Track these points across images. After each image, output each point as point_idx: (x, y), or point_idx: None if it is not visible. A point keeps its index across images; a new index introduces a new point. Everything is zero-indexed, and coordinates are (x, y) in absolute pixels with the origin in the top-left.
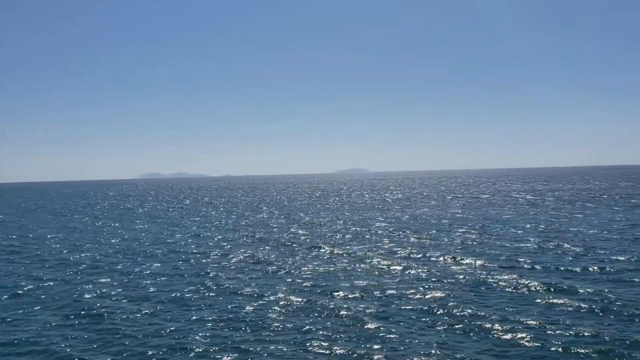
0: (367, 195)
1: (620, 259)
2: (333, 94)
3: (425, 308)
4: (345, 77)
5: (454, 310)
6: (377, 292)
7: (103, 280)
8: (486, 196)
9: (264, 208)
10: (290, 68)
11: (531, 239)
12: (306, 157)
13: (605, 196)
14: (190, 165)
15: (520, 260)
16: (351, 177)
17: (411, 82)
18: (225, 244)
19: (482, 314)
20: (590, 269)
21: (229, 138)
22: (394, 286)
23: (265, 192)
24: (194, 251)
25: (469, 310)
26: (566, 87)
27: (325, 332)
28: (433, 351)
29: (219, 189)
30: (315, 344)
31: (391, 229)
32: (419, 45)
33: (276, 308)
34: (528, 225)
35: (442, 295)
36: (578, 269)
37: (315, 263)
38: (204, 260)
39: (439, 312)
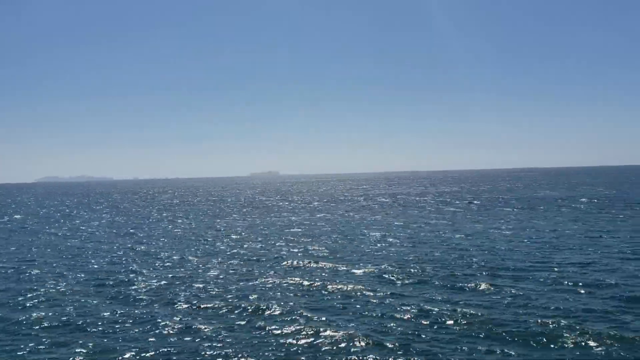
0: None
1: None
2: (248, 96)
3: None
4: (261, 78)
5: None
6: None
7: None
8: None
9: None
10: (203, 68)
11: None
12: (219, 160)
13: (458, 202)
14: (95, 168)
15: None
16: (260, 180)
17: (327, 85)
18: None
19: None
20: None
21: (137, 140)
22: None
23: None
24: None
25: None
26: (499, 91)
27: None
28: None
29: (102, 193)
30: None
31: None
32: (332, 47)
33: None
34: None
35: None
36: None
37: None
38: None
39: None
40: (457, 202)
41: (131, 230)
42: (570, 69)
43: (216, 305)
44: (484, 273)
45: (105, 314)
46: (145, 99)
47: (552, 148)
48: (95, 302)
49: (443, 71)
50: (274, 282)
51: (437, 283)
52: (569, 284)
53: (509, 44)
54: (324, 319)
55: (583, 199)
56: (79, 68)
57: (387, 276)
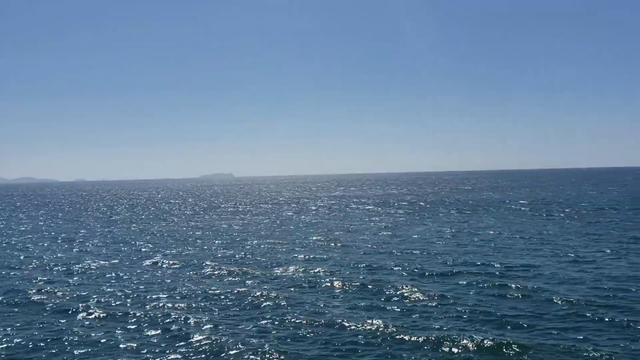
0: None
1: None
2: (200, 96)
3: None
4: (217, 80)
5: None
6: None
7: None
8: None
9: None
10: (154, 70)
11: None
12: (169, 161)
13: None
14: (39, 169)
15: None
16: (213, 182)
17: (283, 87)
18: None
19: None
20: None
21: (81, 141)
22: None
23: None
24: None
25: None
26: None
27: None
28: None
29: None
30: None
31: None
32: (288, 48)
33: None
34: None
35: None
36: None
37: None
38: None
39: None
40: (398, 204)
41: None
42: (523, 74)
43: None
44: (409, 274)
45: None
46: (94, 101)
47: (503, 151)
48: None
49: (405, 75)
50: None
51: (357, 285)
52: (492, 285)
53: (464, 50)
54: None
55: (522, 201)
56: (21, 68)
57: (310, 280)
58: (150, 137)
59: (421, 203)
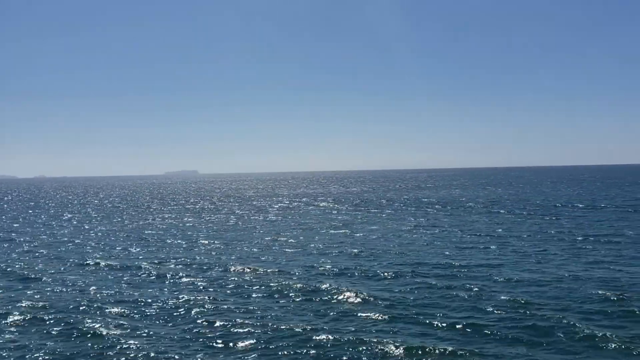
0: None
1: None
2: (166, 94)
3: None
4: (180, 79)
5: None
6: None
7: None
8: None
9: None
10: (118, 69)
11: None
12: (132, 158)
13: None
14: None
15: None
16: (176, 180)
17: (247, 84)
18: None
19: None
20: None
21: (43, 137)
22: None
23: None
24: None
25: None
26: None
27: None
28: None
29: None
30: None
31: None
32: (252, 50)
33: None
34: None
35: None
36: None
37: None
38: None
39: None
40: (356, 201)
41: None
42: (493, 72)
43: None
44: (352, 276)
45: None
46: (56, 100)
47: (473, 149)
48: None
49: (368, 73)
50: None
51: (297, 286)
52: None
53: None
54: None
55: (479, 200)
56: None
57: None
58: (114, 134)
59: (382, 201)
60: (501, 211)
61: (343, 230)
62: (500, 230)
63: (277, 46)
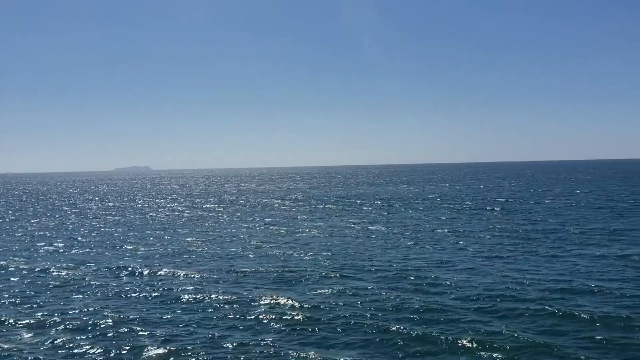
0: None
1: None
2: (119, 88)
3: None
4: (129, 73)
5: None
6: None
7: None
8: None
9: None
10: (74, 65)
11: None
12: (84, 153)
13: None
14: None
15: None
16: (127, 175)
17: (203, 81)
18: None
19: None
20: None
21: (7, 132)
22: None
23: None
24: None
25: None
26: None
27: None
28: None
29: None
30: None
31: None
32: (207, 42)
33: None
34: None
35: None
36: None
37: None
38: None
39: None
40: (298, 198)
41: None
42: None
43: None
44: (273, 280)
45: None
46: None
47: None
48: None
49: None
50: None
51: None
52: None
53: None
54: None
55: (431, 196)
56: None
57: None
58: (68, 129)
59: (325, 198)
60: (443, 205)
61: (273, 227)
62: (428, 225)
63: (232, 44)
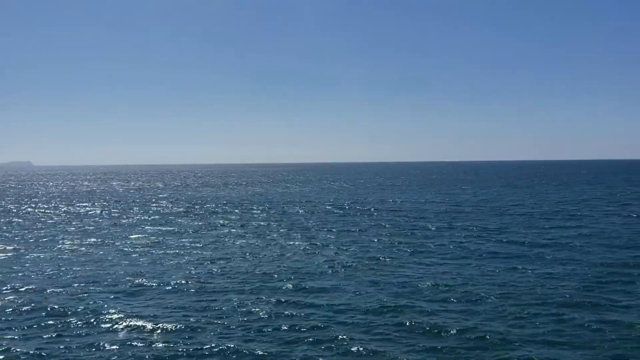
0: None
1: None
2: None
3: None
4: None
5: None
6: None
7: None
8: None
9: None
10: None
11: None
12: None
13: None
14: None
15: None
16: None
17: (91, 72)
18: None
19: None
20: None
21: None
22: None
23: None
24: None
25: None
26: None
27: None
28: None
29: None
30: None
31: None
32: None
33: None
34: None
35: None
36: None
37: None
38: None
39: None
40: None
41: None
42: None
43: None
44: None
45: None
46: None
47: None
48: None
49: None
50: None
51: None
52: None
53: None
54: None
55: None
56: None
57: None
58: None
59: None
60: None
61: (141, 236)
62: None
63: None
